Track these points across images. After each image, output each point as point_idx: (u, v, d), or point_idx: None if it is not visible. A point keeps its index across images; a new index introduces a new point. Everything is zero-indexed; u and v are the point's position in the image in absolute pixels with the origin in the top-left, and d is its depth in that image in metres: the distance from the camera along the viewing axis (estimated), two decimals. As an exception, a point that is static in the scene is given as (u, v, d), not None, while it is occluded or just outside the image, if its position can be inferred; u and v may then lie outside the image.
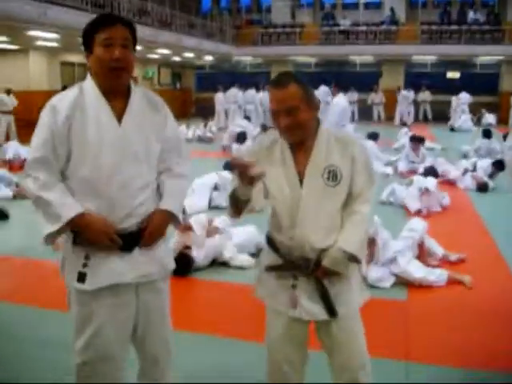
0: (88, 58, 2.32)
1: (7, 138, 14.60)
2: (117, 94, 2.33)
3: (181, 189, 2.56)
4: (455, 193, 8.81)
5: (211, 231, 5.61)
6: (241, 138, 12.72)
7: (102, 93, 2.30)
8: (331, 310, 2.31)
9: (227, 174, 7.84)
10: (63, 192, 2.24)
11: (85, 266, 2.29)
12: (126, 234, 2.31)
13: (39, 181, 2.22)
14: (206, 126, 18.06)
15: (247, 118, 18.25)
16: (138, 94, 2.40)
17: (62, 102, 2.27)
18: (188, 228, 5.42)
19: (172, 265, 2.57)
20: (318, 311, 2.32)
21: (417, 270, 4.92)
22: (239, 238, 5.69)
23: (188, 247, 5.28)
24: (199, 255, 5.28)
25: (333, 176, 2.28)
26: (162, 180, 2.47)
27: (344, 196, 2.31)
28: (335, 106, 10.60)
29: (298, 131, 2.26)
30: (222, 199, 7.44)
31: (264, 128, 12.78)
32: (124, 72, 2.29)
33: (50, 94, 2.38)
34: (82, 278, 2.29)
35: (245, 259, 5.47)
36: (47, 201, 2.21)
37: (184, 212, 5.69)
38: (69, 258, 2.34)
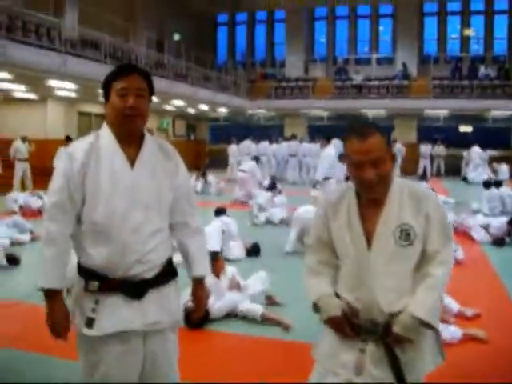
0: (106, 105, 2.38)
1: (23, 186, 14.76)
2: (131, 141, 2.37)
3: (204, 247, 2.66)
4: (470, 246, 8.70)
5: (233, 285, 5.50)
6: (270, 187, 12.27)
7: (117, 140, 2.34)
8: (400, 379, 2.14)
9: (228, 219, 7.93)
10: (59, 254, 2.29)
11: (94, 311, 2.28)
12: (137, 282, 2.31)
13: (48, 233, 2.29)
14: (203, 176, 16.59)
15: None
16: (151, 142, 2.44)
17: (78, 149, 2.32)
18: (237, 285, 5.45)
19: (180, 315, 2.57)
20: (384, 377, 2.16)
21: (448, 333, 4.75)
22: (254, 290, 5.55)
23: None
24: (216, 305, 5.18)
25: (405, 236, 2.14)
26: (183, 240, 2.53)
27: (417, 257, 2.19)
28: (326, 157, 10.50)
29: (381, 185, 2.15)
30: (229, 250, 7.46)
31: (273, 182, 12.69)
32: (138, 118, 2.34)
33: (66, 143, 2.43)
34: (90, 323, 2.28)
35: (257, 310, 5.23)
36: (44, 257, 2.29)
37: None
38: (78, 303, 2.34)
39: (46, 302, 2.32)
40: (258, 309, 5.21)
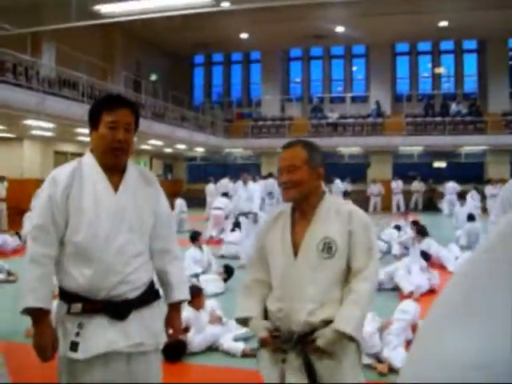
0: (91, 133, 2.44)
1: (-1, 226, 14.60)
2: (114, 170, 2.43)
3: (184, 272, 2.76)
4: (446, 276, 8.78)
5: (214, 319, 5.48)
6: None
7: (100, 166, 2.41)
8: None
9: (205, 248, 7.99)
10: (45, 275, 2.29)
11: (77, 335, 2.28)
12: (120, 302, 2.33)
13: (32, 253, 2.30)
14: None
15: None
16: (133, 169, 2.51)
17: (61, 173, 2.39)
18: (218, 319, 5.42)
19: (164, 337, 2.55)
20: None
21: (399, 358, 4.68)
22: (239, 331, 5.33)
23: (187, 328, 5.13)
24: (196, 340, 5.14)
25: (327, 248, 2.27)
26: (164, 267, 2.56)
27: (338, 270, 2.29)
28: (255, 192, 10.48)
29: (294, 190, 2.34)
30: (206, 285, 7.43)
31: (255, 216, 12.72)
32: (124, 154, 2.42)
33: (42, 183, 2.47)
34: (74, 347, 2.27)
35: (237, 348, 5.13)
36: (30, 277, 2.28)
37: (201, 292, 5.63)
38: (62, 328, 2.33)
39: (33, 324, 2.30)
40: (238, 347, 5.13)
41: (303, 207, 2.40)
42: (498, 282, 0.63)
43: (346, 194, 17.76)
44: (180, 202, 16.60)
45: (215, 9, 15.85)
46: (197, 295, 5.27)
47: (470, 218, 12.58)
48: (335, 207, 2.38)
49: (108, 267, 2.31)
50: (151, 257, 2.53)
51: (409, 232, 11.25)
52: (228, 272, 7.91)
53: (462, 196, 15.18)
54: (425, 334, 0.73)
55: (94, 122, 2.42)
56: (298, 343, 2.24)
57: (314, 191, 2.39)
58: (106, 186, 2.39)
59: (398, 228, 12.41)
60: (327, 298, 2.27)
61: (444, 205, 21.75)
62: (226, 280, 7.82)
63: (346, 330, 2.17)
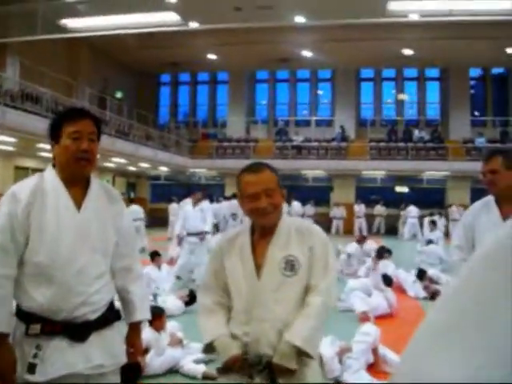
0: (53, 147, 2.39)
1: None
2: (77, 183, 2.38)
3: (146, 291, 2.78)
4: (406, 300, 8.85)
5: (174, 341, 5.36)
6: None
7: (63, 182, 2.35)
8: None
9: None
10: (4, 297, 2.21)
11: (35, 356, 2.20)
12: (80, 324, 2.26)
13: None
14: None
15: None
16: (97, 185, 2.46)
17: (22, 189, 2.31)
18: (178, 341, 5.32)
19: (124, 358, 2.49)
20: None
21: (360, 381, 4.64)
22: (200, 354, 5.15)
23: (146, 350, 4.97)
24: (156, 362, 5.01)
25: (290, 266, 2.25)
26: (126, 286, 2.52)
27: (303, 287, 2.27)
28: (208, 211, 10.38)
29: (274, 214, 2.31)
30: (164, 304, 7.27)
31: (217, 226, 12.69)
32: (89, 164, 2.37)
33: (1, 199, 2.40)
34: (32, 369, 2.19)
35: (198, 370, 4.99)
36: None
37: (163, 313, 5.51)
38: (19, 349, 2.24)
39: None
40: (199, 369, 5.00)
41: (266, 229, 2.36)
42: (497, 292, 0.60)
43: (303, 217, 17.85)
44: (135, 209, 15.49)
45: (183, 28, 15.95)
46: (158, 316, 5.15)
47: (430, 242, 12.84)
48: (295, 225, 2.37)
49: (69, 288, 2.25)
50: (113, 275, 2.48)
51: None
52: (191, 297, 7.79)
53: (433, 222, 15.39)
54: (413, 356, 0.69)
55: (55, 134, 2.36)
56: (265, 367, 2.18)
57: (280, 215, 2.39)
58: (69, 202, 2.33)
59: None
60: (294, 318, 2.23)
61: (405, 229, 22.03)
62: (187, 304, 7.70)
63: (296, 342, 2.13)
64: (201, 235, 9.66)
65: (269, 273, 2.26)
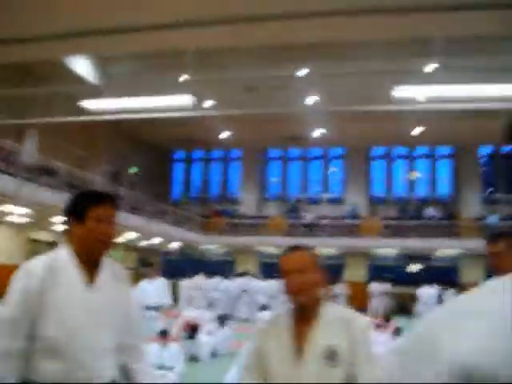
0: (71, 224, 2.48)
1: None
2: (91, 263, 2.46)
3: (149, 371, 2.76)
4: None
5: None
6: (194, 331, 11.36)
7: (78, 258, 2.44)
8: None
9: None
10: (10, 370, 2.21)
11: None
12: None
13: None
14: None
15: (210, 305, 17.77)
16: (108, 265, 2.55)
17: (37, 266, 2.38)
18: None
19: None
20: None
21: None
22: None
23: None
24: None
25: (332, 356, 2.21)
26: (132, 364, 2.54)
27: (341, 378, 2.21)
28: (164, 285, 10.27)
29: (306, 292, 2.30)
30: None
31: (221, 319, 12.30)
32: (107, 247, 2.49)
33: (13, 270, 2.47)
34: None
35: None
36: None
37: None
38: None
39: None
40: None
41: (306, 312, 2.35)
42: None
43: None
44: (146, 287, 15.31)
45: (199, 114, 16.34)
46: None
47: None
48: (337, 313, 2.36)
49: (76, 364, 2.28)
50: (118, 352, 2.50)
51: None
52: None
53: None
54: None
55: (79, 215, 2.45)
56: None
57: (319, 297, 2.38)
58: (81, 281, 2.40)
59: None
60: None
61: (420, 308, 21.57)
62: None
63: None
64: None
65: (309, 361, 2.23)
